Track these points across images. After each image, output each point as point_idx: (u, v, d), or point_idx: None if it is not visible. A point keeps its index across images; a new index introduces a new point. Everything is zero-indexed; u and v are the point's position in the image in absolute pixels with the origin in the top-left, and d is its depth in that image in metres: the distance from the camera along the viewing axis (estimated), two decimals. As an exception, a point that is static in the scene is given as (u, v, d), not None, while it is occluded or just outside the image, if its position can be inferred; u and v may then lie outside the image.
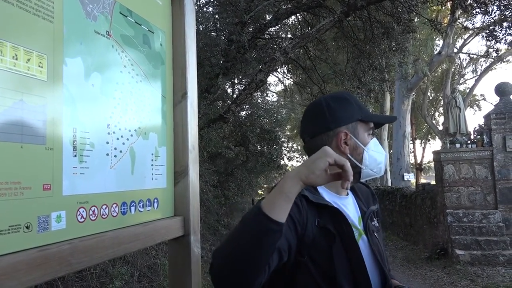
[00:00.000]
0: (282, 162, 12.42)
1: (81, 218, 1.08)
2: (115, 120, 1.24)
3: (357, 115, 1.27)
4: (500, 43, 8.83)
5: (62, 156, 1.02)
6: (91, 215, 1.12)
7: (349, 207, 1.28)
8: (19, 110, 0.90)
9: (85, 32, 1.14)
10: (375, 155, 1.25)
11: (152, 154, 1.44)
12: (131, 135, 1.32)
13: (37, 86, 0.96)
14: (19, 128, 0.90)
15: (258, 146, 10.56)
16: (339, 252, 1.13)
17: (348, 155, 1.24)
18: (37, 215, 0.94)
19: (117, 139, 1.25)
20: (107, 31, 1.23)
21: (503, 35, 8.45)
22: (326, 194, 1.25)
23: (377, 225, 1.32)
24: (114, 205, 1.22)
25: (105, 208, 1.19)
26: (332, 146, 1.23)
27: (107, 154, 1.20)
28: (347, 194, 1.32)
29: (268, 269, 0.96)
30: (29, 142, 0.92)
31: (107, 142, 1.21)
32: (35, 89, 0.95)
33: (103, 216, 1.17)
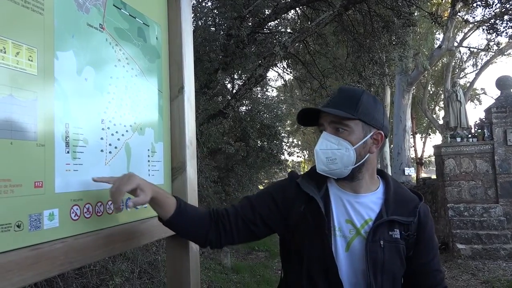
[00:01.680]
0: (282, 157, 12.37)
1: (75, 216, 1.06)
2: (109, 116, 1.22)
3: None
4: (501, 36, 8.77)
5: (54, 152, 0.99)
6: (85, 212, 1.10)
7: (358, 205, 1.25)
8: (8, 105, 0.88)
9: (77, 25, 1.11)
10: None
11: (149, 150, 1.41)
12: (127, 131, 1.30)
13: (27, 80, 0.93)
14: (9, 124, 0.87)
15: (258, 142, 10.51)
16: (314, 241, 1.21)
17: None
18: (29, 213, 0.92)
19: (112, 134, 1.22)
20: (100, 24, 1.20)
21: (504, 28, 8.37)
22: (332, 187, 1.29)
23: (397, 236, 1.22)
24: (110, 202, 1.20)
25: (100, 205, 1.16)
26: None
27: (102, 150, 1.18)
28: (374, 191, 1.28)
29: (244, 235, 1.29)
30: (19, 138, 0.90)
31: (102, 138, 1.18)
32: (25, 84, 0.92)
33: (98, 214, 1.15)
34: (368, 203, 1.26)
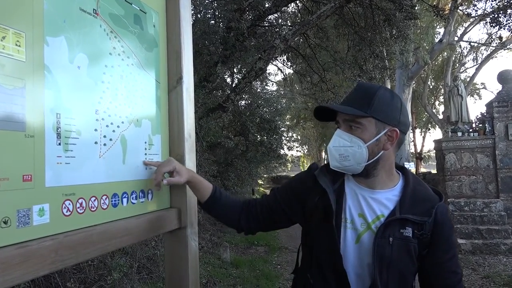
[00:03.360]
0: (282, 151, 12.34)
1: (67, 212, 1.00)
2: (104, 106, 1.16)
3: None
4: (504, 29, 8.67)
5: (44, 144, 0.94)
6: (78, 208, 1.04)
7: (372, 201, 1.26)
8: (-7, 93, 0.81)
9: (69, 9, 1.04)
10: None
11: (146, 142, 1.35)
12: (122, 122, 1.24)
13: (15, 67, 0.87)
14: (-6, 113, 0.81)
15: (258, 136, 10.46)
16: (325, 231, 1.25)
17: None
18: (17, 209, 0.86)
19: (107, 126, 1.17)
20: (94, 9, 1.14)
21: (506, 21, 8.30)
22: (348, 182, 1.32)
23: (408, 235, 1.21)
24: (104, 197, 1.14)
25: (94, 200, 1.10)
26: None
27: (96, 142, 1.12)
28: (392, 187, 1.28)
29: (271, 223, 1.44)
30: (6, 128, 0.84)
31: (95, 130, 1.12)
32: (12, 70, 0.86)
33: (92, 209, 1.09)
34: (382, 199, 1.26)
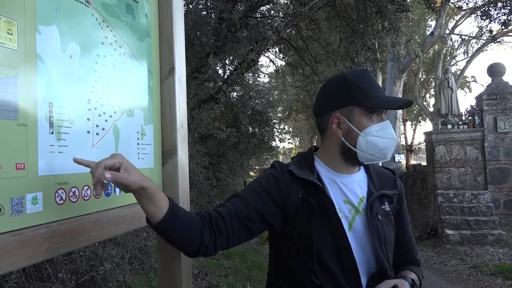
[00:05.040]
0: (273, 143, 12.38)
1: (60, 200, 1.01)
2: (96, 95, 1.16)
3: (354, 99, 1.24)
4: (494, 22, 8.75)
5: (37, 133, 0.94)
6: (71, 196, 1.05)
7: (350, 185, 1.29)
8: (-14, 81, 0.81)
9: (60, -2, 1.04)
10: (375, 140, 1.22)
11: (138, 132, 1.36)
12: (115, 112, 1.24)
13: (7, 55, 0.87)
14: (-14, 102, 0.81)
15: (250, 128, 10.47)
16: (320, 223, 1.20)
17: (342, 138, 1.26)
18: (10, 197, 0.86)
19: (99, 115, 1.17)
20: (86, -2, 1.13)
21: (497, 14, 8.36)
22: (323, 170, 1.30)
23: (388, 209, 1.30)
24: (97, 186, 1.15)
25: (87, 189, 1.11)
26: (328, 127, 1.29)
27: (88, 132, 1.12)
28: (357, 171, 1.33)
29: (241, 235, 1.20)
30: (-2, 117, 0.84)
31: (88, 119, 1.12)
32: (5, 59, 0.86)
33: (85, 198, 1.10)
34: (358, 181, 1.31)
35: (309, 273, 1.19)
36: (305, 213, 1.21)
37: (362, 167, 1.35)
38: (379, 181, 1.32)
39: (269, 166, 1.41)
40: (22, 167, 0.90)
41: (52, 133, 0.98)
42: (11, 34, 0.88)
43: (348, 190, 1.27)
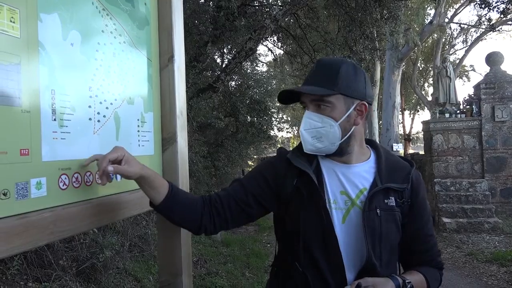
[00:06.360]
0: (272, 132, 12.39)
1: (63, 185, 1.03)
2: (97, 83, 1.17)
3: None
4: (493, 11, 8.72)
5: (40, 119, 0.96)
6: (74, 182, 1.07)
7: (351, 176, 1.24)
8: (-10, 68, 0.83)
9: (61, -14, 1.05)
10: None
11: (138, 119, 1.38)
12: (115, 99, 1.26)
13: (10, 43, 0.88)
14: (-9, 88, 0.83)
15: (248, 117, 10.48)
16: (309, 214, 1.20)
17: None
18: (15, 182, 0.89)
19: (100, 103, 1.19)
20: (86, -14, 1.14)
21: (496, 3, 8.34)
22: (324, 159, 1.28)
23: (392, 204, 1.22)
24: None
25: (89, 175, 1.13)
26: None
27: (90, 119, 1.14)
28: (364, 161, 1.28)
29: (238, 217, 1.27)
30: (2, 103, 0.86)
31: (89, 106, 1.14)
32: (8, 46, 0.88)
33: (87, 183, 1.13)
34: (361, 172, 1.25)
35: (294, 260, 1.23)
36: (296, 202, 1.23)
37: (373, 157, 1.30)
38: (389, 173, 1.25)
39: (267, 155, 1.42)
40: (26, 152, 0.92)
41: (54, 120, 1.00)
42: (14, 22, 0.90)
43: (347, 180, 1.24)
